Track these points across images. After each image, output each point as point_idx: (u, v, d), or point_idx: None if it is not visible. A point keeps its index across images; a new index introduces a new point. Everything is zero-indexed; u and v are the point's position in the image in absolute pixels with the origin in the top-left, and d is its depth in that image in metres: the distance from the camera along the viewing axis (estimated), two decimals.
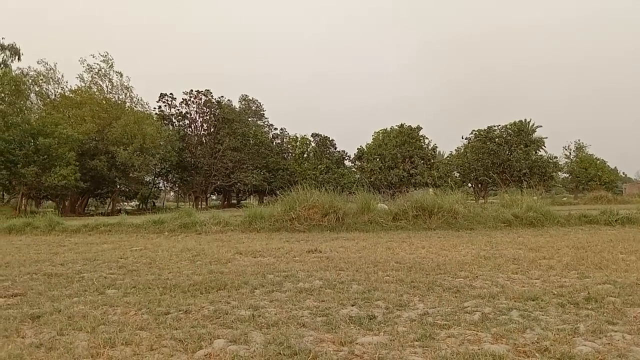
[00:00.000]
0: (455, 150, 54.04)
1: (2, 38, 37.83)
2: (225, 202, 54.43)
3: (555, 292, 4.68)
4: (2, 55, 38.10)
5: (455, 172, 51.12)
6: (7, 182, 29.65)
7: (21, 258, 8.15)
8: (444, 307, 4.15)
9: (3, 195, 36.93)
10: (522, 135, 48.60)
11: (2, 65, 37.29)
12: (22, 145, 27.74)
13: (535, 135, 50.33)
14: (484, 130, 49.31)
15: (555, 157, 50.23)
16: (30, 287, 5.44)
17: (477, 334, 3.39)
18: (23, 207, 31.92)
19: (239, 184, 47.03)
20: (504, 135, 48.85)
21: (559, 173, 53.93)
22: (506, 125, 49.26)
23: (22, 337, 3.49)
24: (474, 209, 14.23)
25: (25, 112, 30.87)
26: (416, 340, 3.27)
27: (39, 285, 5.51)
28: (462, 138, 51.66)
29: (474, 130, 50.25)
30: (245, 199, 57.10)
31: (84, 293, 5.05)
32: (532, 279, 5.50)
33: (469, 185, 51.81)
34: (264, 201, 47.70)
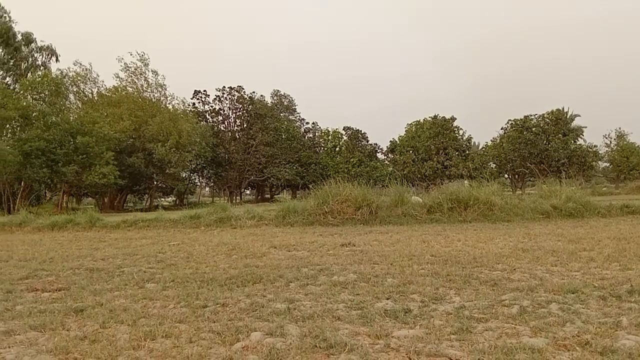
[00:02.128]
0: (491, 140, 52.98)
1: (41, 40, 38.94)
2: (259, 197, 54.94)
3: (597, 285, 4.56)
4: (41, 57, 39.23)
5: (491, 163, 50.10)
6: (49, 180, 30.63)
7: (64, 253, 8.42)
8: (480, 301, 4.10)
9: (45, 193, 38.19)
10: (559, 124, 47.25)
11: (41, 67, 38.41)
12: (62, 144, 28.52)
13: (574, 124, 48.87)
14: (520, 119, 48.14)
15: (595, 146, 48.61)
16: (73, 281, 5.62)
17: (515, 328, 3.34)
18: (65, 204, 32.97)
19: (272, 178, 47.40)
20: (541, 125, 47.61)
21: (599, 162, 52.17)
22: (543, 114, 47.97)
23: (67, 330, 3.60)
24: (511, 201, 13.96)
25: (65, 111, 31.78)
26: (453, 334, 3.24)
27: (81, 280, 5.69)
28: (500, 129, 50.56)
29: (509, 120, 49.14)
30: (278, 194, 57.52)
31: (124, 287, 5.19)
32: (572, 271, 5.37)
33: (506, 176, 50.73)
34: (297, 195, 47.94)
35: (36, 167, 27.57)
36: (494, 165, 49.90)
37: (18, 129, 28.40)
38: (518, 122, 48.26)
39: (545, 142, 46.69)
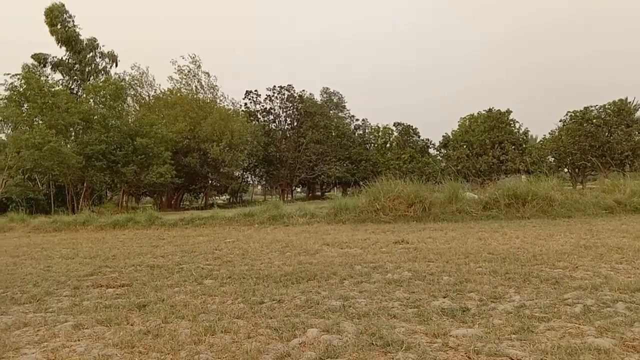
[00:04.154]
0: (549, 133, 50.99)
1: (103, 46, 40.60)
2: (310, 194, 55.31)
3: None
4: (103, 62, 40.91)
5: (549, 156, 48.25)
6: (109, 180, 31.97)
7: (125, 251, 8.75)
8: (542, 299, 3.97)
9: (107, 192, 39.91)
10: (622, 115, 44.88)
11: (102, 72, 40.08)
12: (121, 146, 29.68)
13: (638, 114, 46.29)
14: (580, 111, 46.07)
15: None
16: (135, 278, 5.84)
17: (579, 327, 3.22)
18: (124, 203, 34.40)
19: (322, 176, 47.61)
20: (602, 116, 45.40)
21: None
22: (604, 105, 45.73)
23: (131, 325, 3.74)
24: (572, 196, 13.41)
25: (124, 114, 33.08)
26: (513, 333, 3.16)
27: (142, 276, 5.91)
28: (559, 121, 48.59)
29: (569, 112, 47.15)
30: (329, 191, 57.68)
31: (184, 283, 5.35)
32: (638, 269, 5.11)
33: (565, 170, 48.73)
34: (348, 192, 47.92)
35: (97, 168, 28.87)
36: (553, 159, 47.97)
37: (80, 131, 29.74)
38: (578, 113, 46.22)
39: (607, 134, 44.50)
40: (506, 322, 3.41)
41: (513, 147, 47.50)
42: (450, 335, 3.17)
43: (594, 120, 45.31)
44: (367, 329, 3.34)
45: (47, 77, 34.08)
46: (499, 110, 48.51)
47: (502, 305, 3.84)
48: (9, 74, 28.64)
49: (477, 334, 3.15)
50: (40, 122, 27.57)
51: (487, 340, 3.03)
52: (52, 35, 37.12)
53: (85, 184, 30.46)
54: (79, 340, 3.42)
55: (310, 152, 47.07)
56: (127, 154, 29.63)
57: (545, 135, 52.38)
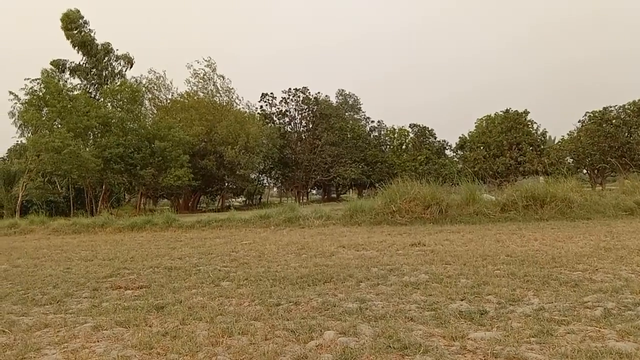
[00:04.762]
0: (568, 134, 50.28)
1: (117, 49, 41.06)
2: (326, 196, 55.28)
3: None
4: (119, 65, 41.34)
5: (568, 158, 47.60)
6: (128, 183, 32.33)
7: (143, 253, 8.84)
8: (561, 302, 3.92)
9: (125, 195, 40.37)
10: None
11: (118, 75, 40.53)
12: (139, 149, 30.02)
13: None
14: (599, 111, 45.37)
15: None
16: (153, 279, 5.90)
17: (599, 331, 3.18)
18: (142, 205, 34.76)
19: (338, 178, 47.54)
20: (622, 116, 44.66)
21: None
22: (624, 106, 44.97)
23: (150, 326, 3.78)
24: (591, 197, 13.22)
25: (141, 117, 33.42)
26: (532, 337, 3.12)
27: (160, 278, 5.96)
28: (577, 122, 47.89)
29: (587, 112, 46.45)
30: (344, 193, 57.59)
31: (201, 285, 5.39)
32: None
33: (584, 171, 47.99)
34: (364, 194, 47.82)
35: (116, 171, 29.22)
36: (571, 160, 47.31)
37: (99, 135, 30.14)
38: (597, 114, 45.53)
39: (627, 134, 43.78)
40: (525, 325, 3.37)
41: (531, 148, 46.97)
42: (468, 338, 3.14)
43: (614, 121, 44.58)
44: (384, 331, 3.33)
45: (66, 82, 34.59)
46: (516, 111, 48.01)
47: (521, 308, 3.80)
48: (28, 78, 29.19)
49: (495, 337, 3.12)
50: (60, 125, 28.01)
51: (506, 344, 3.00)
52: (68, 39, 37.71)
53: (103, 187, 30.87)
54: (98, 341, 3.47)
55: (325, 154, 47.05)
56: (144, 157, 29.94)
57: (563, 136, 51.66)
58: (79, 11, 37.63)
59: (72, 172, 28.34)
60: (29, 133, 32.09)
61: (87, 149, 28.95)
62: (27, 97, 28.91)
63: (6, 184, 32.33)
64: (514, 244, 7.78)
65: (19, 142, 36.59)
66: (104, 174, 29.11)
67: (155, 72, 40.47)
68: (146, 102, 38.97)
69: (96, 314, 4.27)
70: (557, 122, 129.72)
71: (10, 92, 30.40)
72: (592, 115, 45.99)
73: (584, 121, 47.03)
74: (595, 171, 46.57)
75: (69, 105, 27.91)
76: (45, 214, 22.78)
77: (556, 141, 54.87)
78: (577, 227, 10.16)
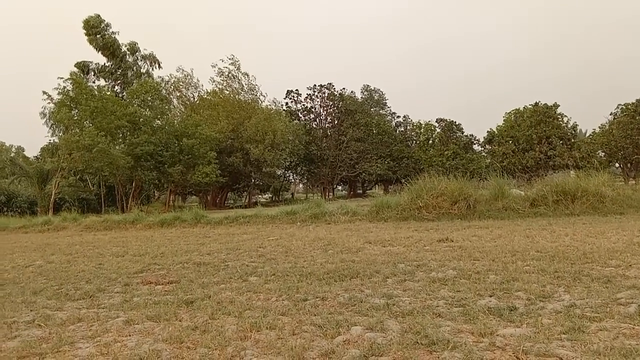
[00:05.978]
0: (599, 127, 49.04)
1: (144, 49, 41.69)
2: (351, 192, 55.16)
3: None
4: (145, 65, 41.97)
5: (599, 151, 46.40)
6: (157, 180, 32.88)
7: (173, 249, 8.98)
8: (593, 299, 3.83)
9: (154, 192, 41.06)
10: None
11: (145, 75, 41.18)
12: (167, 146, 30.47)
13: None
14: (632, 103, 44.09)
15: None
16: (182, 275, 5.99)
17: (633, 328, 3.10)
18: (171, 202, 35.32)
19: (363, 174, 47.43)
20: None
21: None
22: None
23: (180, 321, 3.85)
24: (624, 192, 12.88)
25: (169, 115, 33.90)
26: (563, 333, 3.06)
27: (190, 273, 6.05)
28: (609, 114, 46.61)
29: (620, 105, 45.22)
30: (370, 189, 57.45)
31: (229, 280, 5.46)
32: None
33: (617, 165, 46.75)
34: (390, 190, 47.55)
35: (145, 169, 29.73)
36: (603, 153, 46.11)
37: (128, 134, 30.75)
38: (630, 106, 44.23)
39: None
40: (555, 321, 3.31)
41: (561, 142, 45.91)
42: (498, 335, 3.10)
43: None
44: (412, 327, 3.31)
45: (93, 83, 35.42)
46: (545, 104, 46.96)
47: (551, 305, 3.73)
48: (61, 77, 29.93)
49: (525, 334, 3.08)
50: (90, 124, 28.65)
51: (536, 340, 2.95)
52: (91, 44, 38.61)
53: (134, 184, 31.44)
54: (130, 335, 3.54)
55: (351, 150, 46.97)
56: (173, 155, 30.39)
57: (595, 129, 50.35)
58: (99, 16, 38.52)
59: (103, 169, 28.98)
60: (60, 132, 32.96)
61: (117, 147, 29.53)
62: (60, 96, 29.64)
63: (40, 182, 33.25)
64: (544, 239, 7.63)
65: (52, 141, 37.62)
66: (134, 171, 29.66)
67: (183, 70, 41.02)
68: (174, 100, 39.52)
69: (128, 308, 4.36)
70: (588, 115, 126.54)
71: (44, 92, 31.30)
72: (625, 107, 44.69)
73: (616, 114, 45.76)
74: (628, 165, 45.30)
75: (99, 105, 28.50)
76: (77, 211, 23.39)
77: (587, 134, 53.63)
78: (609, 222, 9.91)
